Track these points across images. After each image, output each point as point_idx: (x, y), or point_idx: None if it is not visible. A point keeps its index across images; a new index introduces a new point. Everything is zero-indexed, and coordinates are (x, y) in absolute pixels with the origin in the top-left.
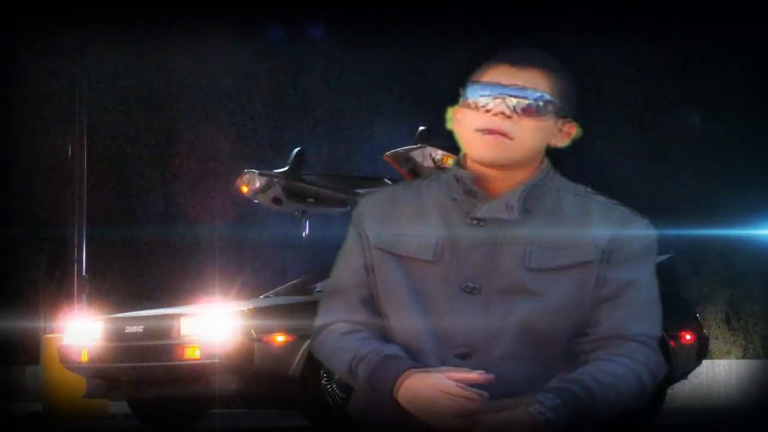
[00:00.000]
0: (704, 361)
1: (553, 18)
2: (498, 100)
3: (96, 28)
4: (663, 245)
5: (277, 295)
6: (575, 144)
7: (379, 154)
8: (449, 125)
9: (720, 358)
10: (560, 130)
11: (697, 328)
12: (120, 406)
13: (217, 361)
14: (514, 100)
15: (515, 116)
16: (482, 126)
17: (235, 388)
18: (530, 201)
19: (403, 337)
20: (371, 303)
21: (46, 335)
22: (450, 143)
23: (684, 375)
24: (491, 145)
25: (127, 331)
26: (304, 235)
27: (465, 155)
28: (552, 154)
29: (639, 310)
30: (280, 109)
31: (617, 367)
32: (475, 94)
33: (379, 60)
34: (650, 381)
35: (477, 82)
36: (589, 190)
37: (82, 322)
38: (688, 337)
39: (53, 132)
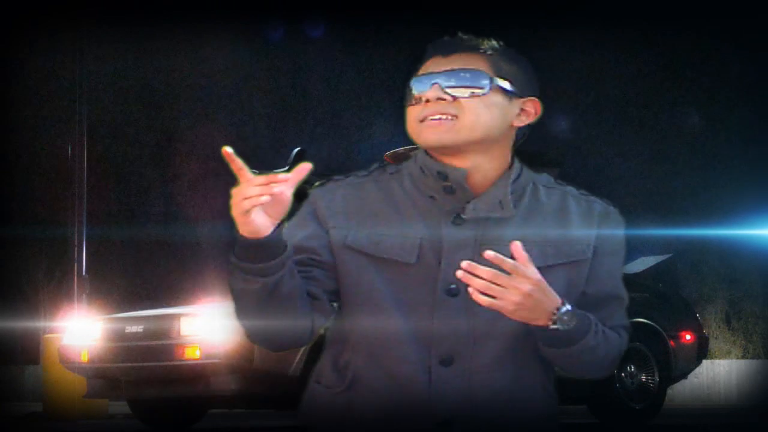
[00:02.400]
0: (704, 361)
1: (553, 18)
2: (434, 87)
3: (96, 28)
4: (663, 245)
5: None
6: (575, 144)
7: (379, 154)
8: (407, 129)
9: (720, 358)
10: (522, 109)
11: (697, 328)
12: (120, 406)
13: (217, 361)
14: (450, 82)
15: (456, 99)
16: (423, 115)
17: (235, 388)
18: (512, 197)
19: (380, 344)
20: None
21: (46, 335)
22: None
23: (684, 375)
24: (435, 128)
25: (127, 331)
26: None
27: (423, 151)
28: (551, 154)
29: (618, 304)
30: (280, 109)
31: (614, 337)
32: (413, 89)
33: (379, 60)
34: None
35: (413, 78)
36: (559, 180)
37: (82, 322)
38: (688, 337)
39: (53, 132)
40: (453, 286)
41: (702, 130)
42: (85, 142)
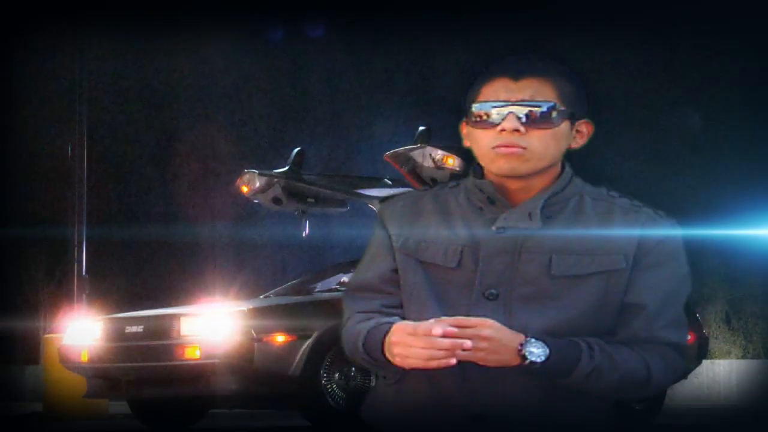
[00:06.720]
0: (704, 361)
1: (553, 18)
2: (509, 118)
3: (96, 28)
4: None
5: (277, 295)
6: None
7: (379, 154)
8: (464, 143)
9: (720, 358)
10: (577, 131)
11: (697, 328)
12: (120, 406)
13: (217, 361)
14: (523, 115)
15: (527, 129)
16: (499, 143)
17: (235, 388)
18: (552, 208)
19: None
20: (394, 304)
21: (46, 335)
22: (450, 143)
23: (684, 375)
24: (510, 160)
25: (127, 331)
26: (304, 235)
27: (482, 166)
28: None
29: (662, 316)
30: (280, 109)
31: (630, 353)
32: (483, 113)
33: (379, 60)
34: (662, 379)
35: (482, 101)
36: (612, 193)
37: (82, 322)
38: (688, 337)
39: (53, 132)
40: (493, 291)
41: (702, 130)
42: (85, 142)
